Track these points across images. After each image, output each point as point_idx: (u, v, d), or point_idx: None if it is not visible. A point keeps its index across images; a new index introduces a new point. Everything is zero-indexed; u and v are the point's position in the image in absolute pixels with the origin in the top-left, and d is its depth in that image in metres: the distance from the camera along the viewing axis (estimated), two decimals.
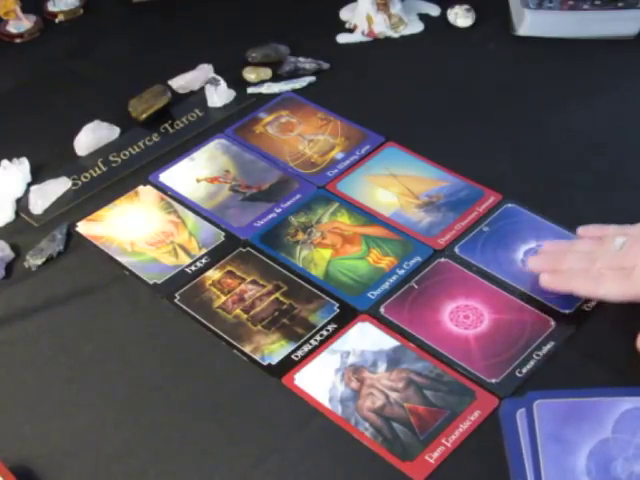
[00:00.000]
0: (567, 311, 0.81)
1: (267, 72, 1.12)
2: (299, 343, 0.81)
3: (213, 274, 0.88)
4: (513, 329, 0.80)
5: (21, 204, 0.97)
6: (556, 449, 0.69)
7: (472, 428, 0.73)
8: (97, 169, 1.01)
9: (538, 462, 0.69)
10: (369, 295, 0.84)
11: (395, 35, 1.18)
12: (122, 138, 1.05)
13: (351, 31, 1.19)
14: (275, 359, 0.80)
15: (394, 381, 0.77)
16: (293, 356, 0.80)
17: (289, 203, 0.95)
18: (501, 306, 0.82)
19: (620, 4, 1.13)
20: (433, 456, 0.72)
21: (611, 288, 0.77)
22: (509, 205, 0.91)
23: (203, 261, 0.89)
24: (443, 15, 1.20)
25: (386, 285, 0.85)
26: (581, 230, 0.85)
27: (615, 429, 0.70)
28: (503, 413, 0.73)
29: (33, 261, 0.90)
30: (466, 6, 1.18)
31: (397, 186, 0.95)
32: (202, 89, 1.09)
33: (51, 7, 1.26)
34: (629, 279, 0.77)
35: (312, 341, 0.81)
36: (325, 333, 0.81)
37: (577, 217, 0.89)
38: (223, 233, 0.92)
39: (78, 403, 0.78)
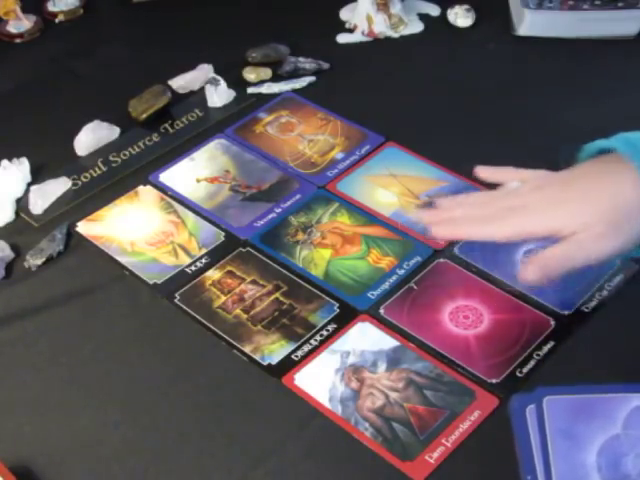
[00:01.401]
0: (567, 311, 0.81)
1: (267, 72, 1.12)
2: (299, 343, 0.81)
3: (213, 274, 0.88)
4: (513, 329, 0.80)
5: (21, 204, 0.97)
6: (566, 445, 0.69)
7: (472, 428, 0.73)
8: (97, 169, 1.01)
9: (548, 458, 0.68)
10: (369, 295, 0.84)
11: (395, 35, 1.18)
12: (122, 138, 1.05)
13: (351, 31, 1.19)
14: (275, 359, 0.80)
15: (394, 381, 0.77)
16: (293, 356, 0.80)
17: (289, 203, 0.94)
18: (501, 306, 0.82)
19: (620, 4, 1.13)
20: (433, 456, 0.72)
21: (498, 227, 0.73)
22: None
23: (203, 261, 0.89)
24: (443, 15, 1.20)
25: (386, 285, 0.85)
26: (478, 170, 0.81)
27: (625, 425, 0.70)
28: (512, 409, 0.73)
29: (33, 261, 0.90)
30: (466, 6, 1.18)
31: (397, 186, 0.95)
32: (202, 89, 1.09)
33: (51, 7, 1.26)
34: (516, 217, 0.73)
35: (312, 341, 0.81)
36: (325, 333, 0.81)
37: None
38: (223, 233, 0.92)
39: (78, 403, 0.78)
